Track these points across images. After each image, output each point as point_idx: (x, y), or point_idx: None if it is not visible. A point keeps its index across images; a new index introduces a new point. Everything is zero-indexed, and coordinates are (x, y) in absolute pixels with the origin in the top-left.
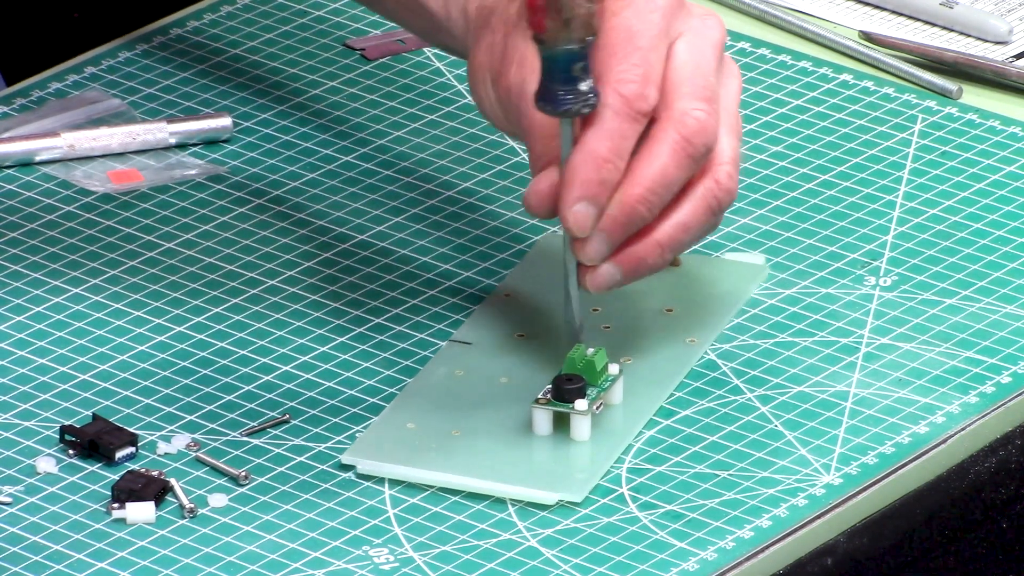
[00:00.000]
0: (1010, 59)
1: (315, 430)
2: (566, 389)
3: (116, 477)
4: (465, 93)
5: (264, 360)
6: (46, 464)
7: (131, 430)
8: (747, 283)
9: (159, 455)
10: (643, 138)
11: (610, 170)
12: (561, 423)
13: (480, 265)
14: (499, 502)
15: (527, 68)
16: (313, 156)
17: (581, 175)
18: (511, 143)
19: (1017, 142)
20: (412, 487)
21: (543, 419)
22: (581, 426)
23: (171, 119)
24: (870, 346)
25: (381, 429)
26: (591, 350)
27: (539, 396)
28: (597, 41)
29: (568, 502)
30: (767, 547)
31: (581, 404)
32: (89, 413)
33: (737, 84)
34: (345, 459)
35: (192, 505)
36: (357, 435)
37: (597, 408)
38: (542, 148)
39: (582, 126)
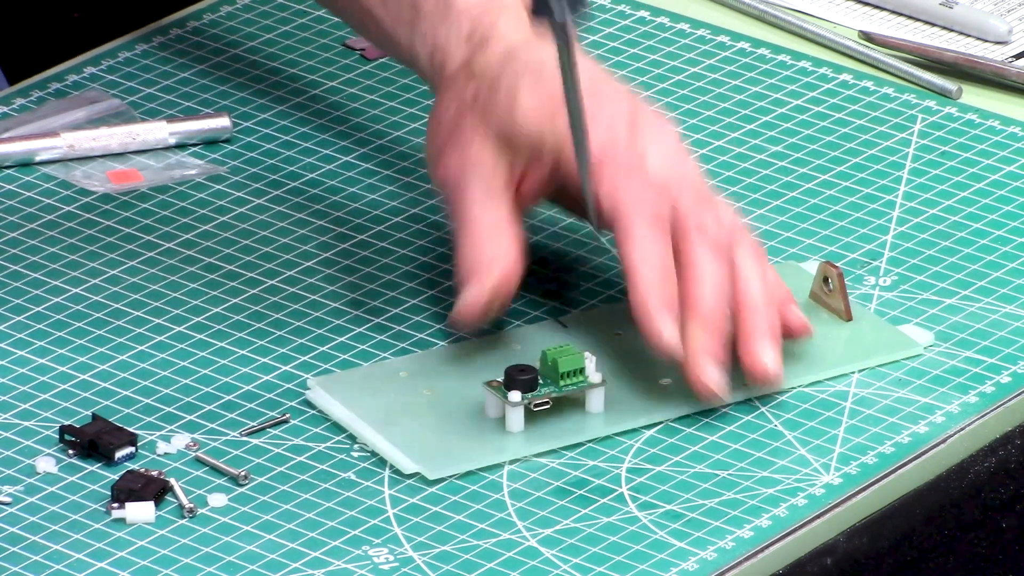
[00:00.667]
0: (1010, 59)
1: (315, 430)
2: (514, 378)
3: (116, 477)
4: None
5: (264, 360)
6: (46, 464)
7: (131, 430)
8: (884, 353)
9: (159, 455)
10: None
11: (672, 287)
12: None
13: None
14: (499, 502)
15: (469, 160)
16: (313, 156)
17: (653, 301)
18: None
19: (1017, 142)
20: (412, 487)
21: (491, 402)
22: (513, 417)
23: (171, 119)
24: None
25: (372, 369)
26: (584, 353)
27: (494, 379)
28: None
29: (427, 480)
30: (767, 547)
31: (514, 396)
32: (89, 413)
33: (693, 164)
34: (309, 381)
35: (192, 505)
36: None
37: (536, 405)
38: (472, 253)
39: (621, 254)
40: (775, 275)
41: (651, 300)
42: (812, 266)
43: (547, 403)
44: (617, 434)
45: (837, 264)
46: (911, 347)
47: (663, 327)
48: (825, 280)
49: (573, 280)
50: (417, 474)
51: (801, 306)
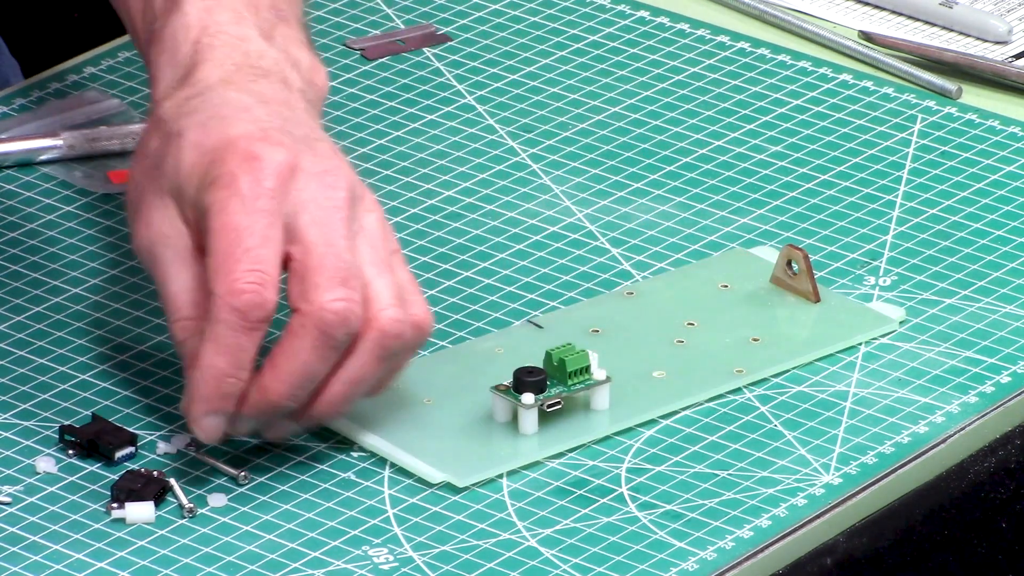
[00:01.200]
0: (1010, 59)
1: (315, 430)
2: (523, 381)
3: (116, 477)
4: (465, 93)
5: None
6: (46, 464)
7: (131, 430)
8: (857, 332)
9: (159, 455)
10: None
11: (232, 383)
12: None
13: (480, 265)
14: (499, 502)
15: (152, 232)
16: None
17: (203, 392)
18: (511, 143)
19: (1017, 142)
20: (412, 487)
21: (500, 406)
22: (527, 419)
23: None
24: (869, 346)
25: None
26: (585, 351)
27: (501, 383)
28: (208, 242)
29: (454, 488)
30: (767, 547)
31: (528, 398)
32: (89, 413)
33: (376, 217)
34: None
35: (192, 505)
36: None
37: (549, 406)
38: (180, 322)
39: (203, 337)
40: (368, 371)
41: (201, 391)
42: (764, 251)
43: (559, 403)
44: (617, 433)
45: (800, 247)
46: (885, 323)
47: (198, 417)
48: (789, 264)
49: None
50: (444, 482)
51: (762, 292)
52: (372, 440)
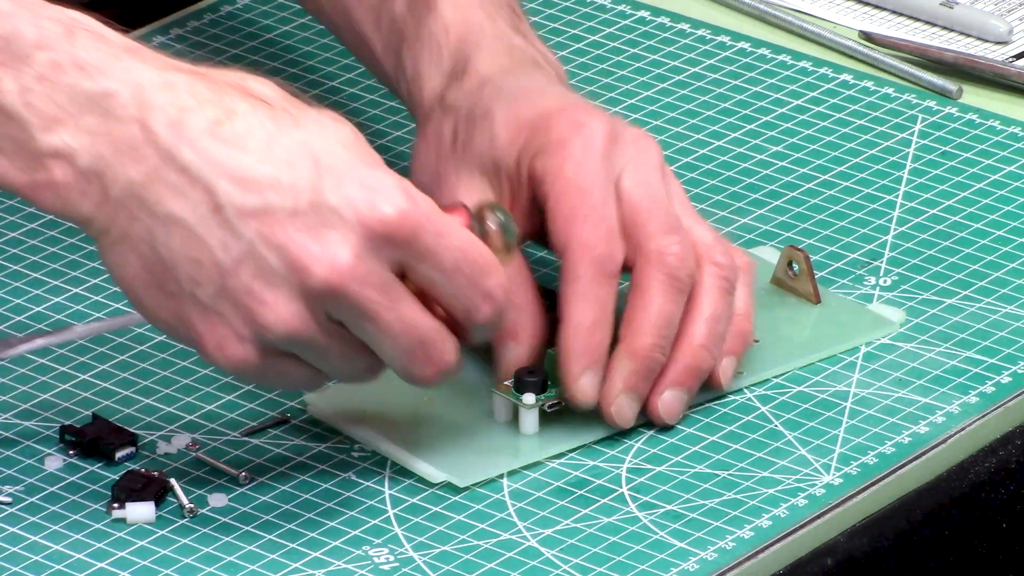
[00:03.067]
0: (1010, 59)
1: (315, 430)
2: (524, 381)
3: (116, 477)
4: None
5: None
6: (54, 462)
7: (131, 430)
8: (857, 334)
9: (159, 455)
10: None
11: (600, 335)
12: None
13: None
14: (499, 502)
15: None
16: None
17: (577, 346)
18: None
19: (1017, 142)
20: (412, 487)
21: (501, 405)
22: (527, 419)
23: None
24: (870, 346)
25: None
26: None
27: (503, 383)
28: (548, 205)
29: (454, 488)
30: (767, 547)
31: (529, 398)
32: (89, 413)
33: (678, 182)
34: (307, 397)
35: (192, 505)
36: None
37: (550, 406)
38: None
39: (560, 296)
40: (745, 302)
41: (574, 347)
42: (764, 252)
43: (559, 403)
44: (618, 433)
45: (801, 247)
46: (885, 326)
47: (576, 375)
48: (790, 264)
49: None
50: (445, 482)
51: (762, 293)
52: (373, 439)
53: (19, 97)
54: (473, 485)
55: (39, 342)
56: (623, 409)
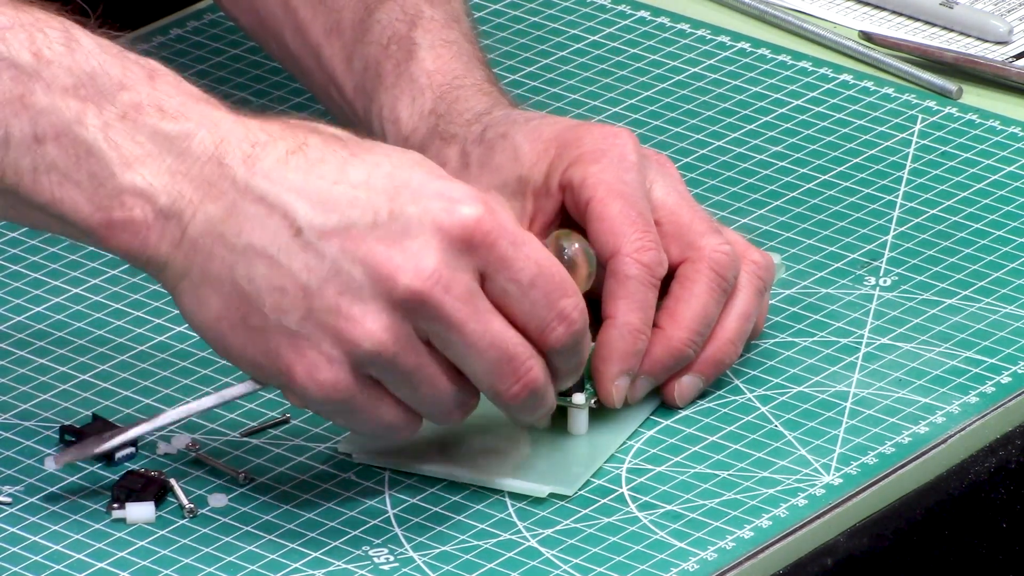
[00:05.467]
0: (1010, 59)
1: (315, 430)
2: None
3: (116, 477)
4: None
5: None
6: (54, 462)
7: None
8: None
9: (159, 455)
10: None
11: (643, 340)
12: (559, 417)
13: None
14: (499, 502)
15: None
16: None
17: (620, 349)
18: None
19: (1017, 142)
20: (412, 487)
21: (577, 417)
22: (578, 420)
23: None
24: (870, 346)
25: None
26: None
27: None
28: (592, 209)
29: (561, 497)
30: (767, 547)
31: (579, 398)
32: (89, 413)
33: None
34: (342, 448)
35: (192, 505)
36: None
37: (595, 403)
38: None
39: (605, 296)
40: (764, 304)
41: (618, 347)
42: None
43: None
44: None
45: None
46: None
47: (613, 376)
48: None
49: None
50: (551, 495)
51: None
52: (446, 469)
53: (102, 133)
54: (579, 490)
55: (132, 432)
56: (636, 390)
